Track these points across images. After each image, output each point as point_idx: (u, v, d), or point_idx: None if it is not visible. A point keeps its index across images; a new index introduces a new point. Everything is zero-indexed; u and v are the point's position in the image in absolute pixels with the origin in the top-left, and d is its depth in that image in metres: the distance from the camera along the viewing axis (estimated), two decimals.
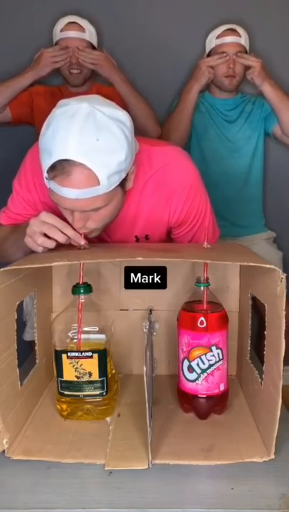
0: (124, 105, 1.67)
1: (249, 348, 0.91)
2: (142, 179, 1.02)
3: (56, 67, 1.78)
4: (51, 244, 0.89)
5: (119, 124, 0.85)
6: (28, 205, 1.09)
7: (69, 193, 0.84)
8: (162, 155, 1.05)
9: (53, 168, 0.84)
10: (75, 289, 0.83)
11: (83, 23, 1.80)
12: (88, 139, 0.81)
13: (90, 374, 0.82)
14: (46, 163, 0.84)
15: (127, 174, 0.91)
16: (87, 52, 1.77)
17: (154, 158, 1.03)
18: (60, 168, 0.83)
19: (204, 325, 0.81)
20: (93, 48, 1.82)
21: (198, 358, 0.82)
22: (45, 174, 0.86)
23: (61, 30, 1.78)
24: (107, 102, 0.90)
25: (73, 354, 0.81)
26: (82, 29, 1.79)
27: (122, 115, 0.88)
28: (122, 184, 0.92)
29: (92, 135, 0.82)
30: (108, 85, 1.85)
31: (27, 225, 0.92)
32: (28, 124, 1.89)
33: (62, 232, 0.89)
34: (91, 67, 1.79)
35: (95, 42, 1.84)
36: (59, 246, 0.90)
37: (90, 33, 1.81)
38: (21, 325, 1.44)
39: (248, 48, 1.80)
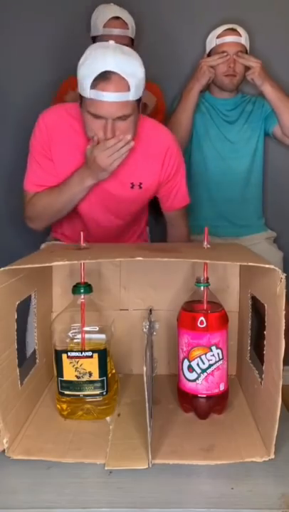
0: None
1: (249, 348, 0.91)
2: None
3: None
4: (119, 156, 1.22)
5: (137, 56, 1.20)
6: (46, 154, 1.33)
7: (108, 95, 1.15)
8: (144, 122, 1.35)
9: (95, 79, 1.14)
10: (76, 289, 0.83)
11: (127, 17, 1.74)
12: (120, 57, 1.15)
13: (90, 374, 0.82)
14: (88, 80, 1.15)
15: (141, 100, 1.23)
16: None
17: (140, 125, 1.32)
18: (102, 77, 1.14)
19: (204, 325, 0.81)
20: (132, 41, 1.77)
21: (198, 358, 0.82)
22: (87, 91, 1.16)
23: (104, 26, 1.72)
24: None
25: (73, 354, 0.82)
26: (125, 25, 1.74)
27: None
28: (139, 105, 1.23)
29: (123, 55, 1.16)
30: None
31: (68, 181, 1.29)
32: None
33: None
34: None
35: (133, 36, 1.79)
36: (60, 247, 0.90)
37: (132, 29, 1.76)
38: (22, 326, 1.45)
39: (248, 47, 1.80)
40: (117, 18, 1.73)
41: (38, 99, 1.83)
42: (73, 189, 1.30)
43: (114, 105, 1.16)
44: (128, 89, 1.16)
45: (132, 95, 1.17)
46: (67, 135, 1.32)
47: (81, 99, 1.22)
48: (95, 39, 1.76)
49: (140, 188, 1.36)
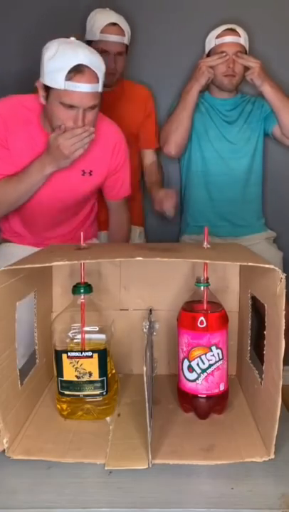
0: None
1: (249, 348, 0.91)
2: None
3: None
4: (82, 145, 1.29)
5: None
6: (2, 142, 1.34)
7: (84, 86, 1.23)
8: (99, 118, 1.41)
9: (69, 72, 1.21)
10: (76, 289, 0.83)
11: (123, 24, 1.73)
12: (88, 52, 1.25)
13: (90, 374, 0.82)
14: (62, 73, 1.21)
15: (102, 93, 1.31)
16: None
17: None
18: (76, 70, 1.22)
19: (204, 325, 0.81)
20: (126, 48, 1.77)
21: (198, 358, 0.82)
22: (61, 83, 1.22)
23: (102, 32, 1.71)
24: None
25: (73, 354, 0.82)
26: (122, 32, 1.72)
27: None
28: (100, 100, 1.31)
29: (89, 50, 1.26)
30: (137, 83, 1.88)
31: (28, 169, 1.32)
32: None
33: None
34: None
35: (128, 43, 1.78)
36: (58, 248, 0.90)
37: (128, 36, 1.75)
38: None
39: (247, 48, 1.80)
40: (114, 24, 1.72)
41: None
42: (33, 177, 1.33)
43: (87, 95, 1.24)
44: (98, 81, 1.26)
45: (100, 87, 1.27)
46: (22, 125, 1.35)
47: (47, 91, 1.27)
48: (90, 43, 1.74)
49: (90, 175, 1.45)
